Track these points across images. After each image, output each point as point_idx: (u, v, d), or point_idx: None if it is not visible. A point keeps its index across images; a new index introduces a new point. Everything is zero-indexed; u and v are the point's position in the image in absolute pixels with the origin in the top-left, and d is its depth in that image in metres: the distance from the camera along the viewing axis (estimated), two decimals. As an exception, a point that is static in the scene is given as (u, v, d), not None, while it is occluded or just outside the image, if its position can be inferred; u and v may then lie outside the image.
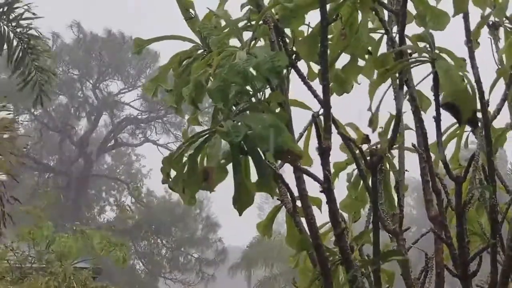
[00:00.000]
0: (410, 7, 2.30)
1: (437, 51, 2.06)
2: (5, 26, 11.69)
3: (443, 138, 2.42)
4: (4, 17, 11.70)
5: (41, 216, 12.58)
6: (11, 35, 11.71)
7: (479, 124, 2.48)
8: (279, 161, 2.38)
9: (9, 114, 11.37)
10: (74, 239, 13.62)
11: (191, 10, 2.50)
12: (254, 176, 2.06)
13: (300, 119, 2.44)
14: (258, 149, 1.97)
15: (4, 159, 9.41)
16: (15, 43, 11.68)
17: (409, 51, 2.21)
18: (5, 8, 11.76)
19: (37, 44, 11.79)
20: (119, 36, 37.87)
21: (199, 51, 2.45)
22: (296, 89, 2.37)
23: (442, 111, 2.15)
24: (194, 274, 37.54)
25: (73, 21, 37.84)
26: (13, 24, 11.76)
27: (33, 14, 11.98)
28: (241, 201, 2.03)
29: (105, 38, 38.12)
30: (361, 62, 2.42)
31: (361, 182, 2.57)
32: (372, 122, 2.16)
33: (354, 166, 2.56)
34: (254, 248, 30.93)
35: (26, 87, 11.92)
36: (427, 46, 2.09)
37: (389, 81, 2.29)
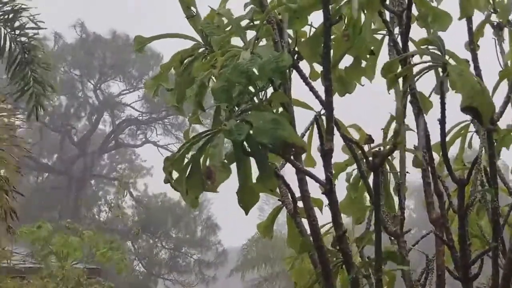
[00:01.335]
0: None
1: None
2: (8, 34, 11.66)
3: (447, 139, 2.41)
4: (8, 24, 11.66)
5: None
6: (13, 43, 11.66)
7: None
8: (281, 162, 2.38)
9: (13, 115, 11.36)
10: (69, 238, 13.61)
11: (192, 8, 2.49)
12: (256, 177, 2.05)
13: (302, 119, 2.44)
14: (261, 148, 1.97)
15: (6, 157, 9.38)
16: (16, 51, 11.63)
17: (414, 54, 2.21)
18: (10, 15, 11.72)
19: (37, 56, 11.72)
20: (122, 37, 37.91)
21: (201, 50, 2.44)
22: (298, 90, 2.37)
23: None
24: (193, 276, 37.53)
25: (77, 21, 37.91)
26: (16, 32, 11.72)
27: (37, 24, 11.94)
28: (247, 199, 2.02)
29: (108, 39, 38.16)
30: (363, 63, 2.42)
31: (360, 183, 2.57)
32: (398, 135, 2.15)
33: (353, 166, 2.56)
34: (253, 249, 30.90)
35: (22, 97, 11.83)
36: (434, 49, 2.08)
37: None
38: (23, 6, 11.63)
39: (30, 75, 11.61)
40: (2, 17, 11.60)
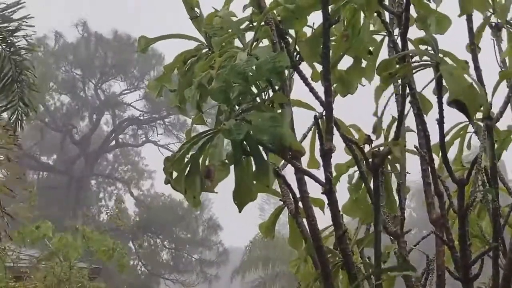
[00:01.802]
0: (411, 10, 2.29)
1: (440, 55, 2.06)
2: (3, 50, 11.76)
3: (446, 139, 2.42)
4: (5, 41, 11.76)
5: (28, 217, 12.47)
6: (6, 59, 11.75)
7: (482, 127, 2.48)
8: (282, 162, 2.38)
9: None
10: (73, 239, 13.61)
11: (196, 9, 2.49)
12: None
13: (304, 120, 2.44)
14: (260, 148, 1.97)
15: (4, 161, 9.38)
16: (8, 67, 11.71)
17: (410, 54, 2.21)
18: (8, 33, 11.82)
19: (27, 76, 11.84)
20: (124, 36, 37.91)
21: (204, 50, 2.44)
22: (300, 90, 2.37)
23: (444, 114, 2.16)
24: (194, 275, 37.54)
25: (79, 20, 37.95)
26: (11, 49, 11.83)
27: (31, 46, 12.08)
28: (241, 196, 2.03)
29: (110, 38, 38.18)
30: (364, 64, 2.42)
31: (363, 184, 2.57)
32: (376, 129, 2.15)
33: (355, 168, 2.56)
34: (255, 250, 30.85)
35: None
36: (430, 49, 2.08)
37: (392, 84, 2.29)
38: (19, 27, 11.75)
39: (16, 93, 11.72)
40: None
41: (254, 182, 2.03)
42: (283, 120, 1.97)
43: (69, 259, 13.19)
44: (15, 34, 11.76)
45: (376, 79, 2.19)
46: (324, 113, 2.24)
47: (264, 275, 30.28)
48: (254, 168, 2.03)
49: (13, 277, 11.93)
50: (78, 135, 39.14)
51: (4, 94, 11.71)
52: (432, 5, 2.28)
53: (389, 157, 2.49)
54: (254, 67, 1.97)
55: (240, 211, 2.06)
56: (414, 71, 2.13)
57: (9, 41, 11.72)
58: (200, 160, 2.04)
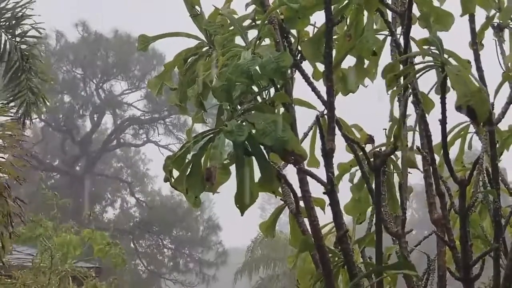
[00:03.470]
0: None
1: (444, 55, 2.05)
2: (8, 40, 11.65)
3: (447, 139, 2.41)
4: (10, 30, 11.65)
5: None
6: (13, 49, 11.63)
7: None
8: (283, 162, 2.38)
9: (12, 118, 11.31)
10: (72, 237, 13.57)
11: (197, 7, 2.49)
12: (257, 177, 2.06)
13: (305, 119, 2.44)
14: (262, 149, 1.97)
15: (8, 160, 9.31)
16: (15, 57, 11.59)
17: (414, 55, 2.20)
18: (13, 22, 11.71)
19: (35, 65, 11.69)
20: (124, 36, 37.90)
21: (204, 49, 2.44)
22: (301, 89, 2.37)
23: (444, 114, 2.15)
24: (194, 275, 37.54)
25: (79, 20, 37.95)
26: (17, 39, 11.71)
27: (39, 33, 11.95)
28: (243, 201, 2.03)
29: (110, 38, 38.19)
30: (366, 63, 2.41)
31: (365, 183, 2.56)
32: (398, 138, 2.14)
33: (357, 167, 2.56)
34: (257, 250, 30.77)
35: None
36: (435, 50, 2.08)
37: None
38: (25, 14, 11.62)
39: (25, 83, 11.56)
40: (4, 23, 11.58)
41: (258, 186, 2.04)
42: (285, 123, 1.97)
43: (63, 257, 13.14)
44: (22, 23, 11.64)
45: (381, 79, 2.18)
46: (325, 113, 2.24)
47: (264, 276, 30.22)
48: (257, 171, 2.03)
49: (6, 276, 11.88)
50: (79, 135, 39.11)
51: (13, 84, 11.55)
52: (436, 3, 2.27)
53: (391, 156, 2.49)
54: (258, 66, 1.97)
55: (242, 214, 2.07)
56: (419, 73, 2.12)
57: (14, 30, 11.58)
58: (202, 160, 2.04)
